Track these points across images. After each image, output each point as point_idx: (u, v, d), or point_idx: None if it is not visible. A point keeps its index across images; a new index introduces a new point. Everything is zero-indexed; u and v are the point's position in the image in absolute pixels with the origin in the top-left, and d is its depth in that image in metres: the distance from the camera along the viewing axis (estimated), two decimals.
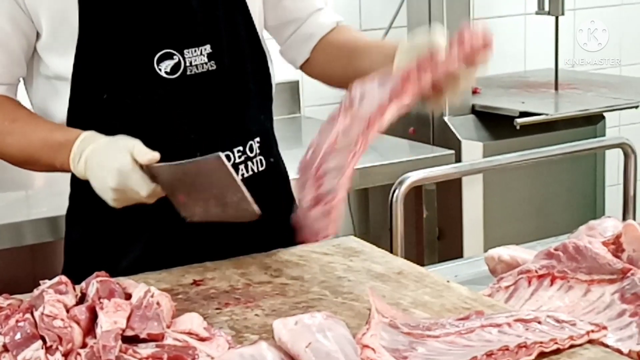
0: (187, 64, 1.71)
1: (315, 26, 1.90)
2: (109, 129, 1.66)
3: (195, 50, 1.71)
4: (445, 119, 3.37)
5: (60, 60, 1.70)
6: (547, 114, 3.26)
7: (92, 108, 1.71)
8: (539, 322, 1.32)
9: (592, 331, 1.31)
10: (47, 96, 1.75)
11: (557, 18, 3.56)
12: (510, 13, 4.07)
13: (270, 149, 1.86)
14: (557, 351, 1.27)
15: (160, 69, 1.69)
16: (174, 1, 1.71)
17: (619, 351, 1.32)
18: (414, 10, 3.46)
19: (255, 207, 1.50)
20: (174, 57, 1.70)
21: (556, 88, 3.64)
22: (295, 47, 1.90)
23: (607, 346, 1.33)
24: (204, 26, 1.73)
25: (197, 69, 1.72)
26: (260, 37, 1.84)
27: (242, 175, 1.78)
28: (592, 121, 3.49)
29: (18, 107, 1.75)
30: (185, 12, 1.72)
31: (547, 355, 1.26)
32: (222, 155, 1.49)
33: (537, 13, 3.61)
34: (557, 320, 1.33)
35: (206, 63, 1.72)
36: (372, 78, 1.55)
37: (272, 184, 1.86)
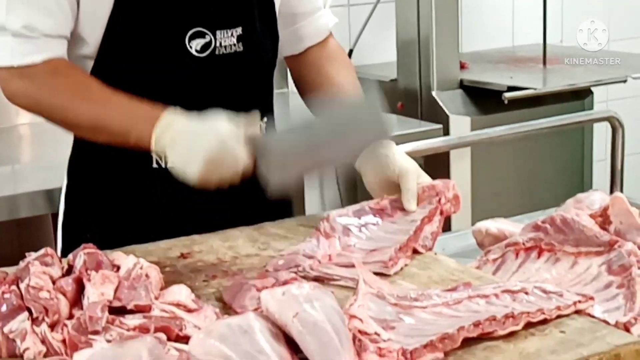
0: (218, 44, 1.73)
1: (314, 28, 1.92)
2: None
3: (227, 32, 1.73)
4: (433, 93, 3.37)
5: (92, 30, 1.69)
6: (535, 89, 3.26)
7: (115, 76, 1.71)
8: (526, 293, 1.32)
9: (579, 301, 1.32)
10: None
11: None
12: None
13: (273, 128, 1.90)
14: (544, 321, 1.27)
15: (191, 47, 1.71)
16: None
17: (606, 322, 1.33)
18: None
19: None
20: (206, 36, 1.72)
21: (544, 63, 3.64)
22: (287, 42, 1.91)
23: (594, 317, 1.33)
24: (239, 9, 1.76)
25: (226, 49, 1.74)
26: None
27: None
28: (580, 96, 3.49)
29: (86, 73, 1.70)
30: None
31: (534, 325, 1.26)
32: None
33: None
34: (544, 291, 1.33)
35: (235, 44, 1.75)
36: (348, 210, 1.65)
37: None
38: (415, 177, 1.67)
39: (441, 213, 1.64)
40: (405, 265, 1.53)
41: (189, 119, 1.58)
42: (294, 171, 1.55)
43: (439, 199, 1.65)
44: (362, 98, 1.52)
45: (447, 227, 2.65)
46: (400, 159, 1.71)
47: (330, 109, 1.55)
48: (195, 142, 1.53)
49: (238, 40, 1.75)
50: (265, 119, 1.85)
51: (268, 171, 1.54)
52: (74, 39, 1.72)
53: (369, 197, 1.73)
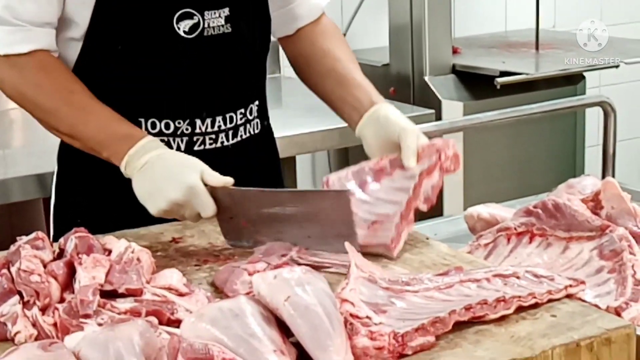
0: (206, 25, 1.73)
1: (306, 8, 1.91)
2: (118, 81, 1.69)
3: (214, 13, 1.73)
4: (426, 78, 3.36)
5: (80, 12, 1.69)
6: (527, 74, 3.25)
7: (104, 58, 1.71)
8: (518, 277, 1.32)
9: (570, 286, 1.32)
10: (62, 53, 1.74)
11: None
12: None
13: (265, 112, 1.90)
14: (536, 305, 1.27)
15: (179, 28, 1.71)
16: None
17: (597, 307, 1.33)
18: None
19: (358, 245, 1.47)
20: (194, 17, 1.71)
21: (537, 48, 3.63)
22: (280, 22, 1.90)
23: (585, 302, 1.33)
24: None
25: (214, 30, 1.74)
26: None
27: (241, 136, 1.81)
28: (573, 81, 3.49)
29: (72, 75, 1.70)
30: None
31: (525, 309, 1.26)
32: (350, 191, 1.51)
33: None
34: (536, 275, 1.33)
35: (223, 25, 1.74)
36: (347, 172, 1.64)
37: (265, 146, 1.91)
38: (416, 136, 1.66)
39: (441, 169, 1.62)
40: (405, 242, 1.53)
41: (164, 154, 1.59)
42: (251, 237, 1.56)
43: (439, 156, 1.61)
44: (344, 212, 1.49)
45: (439, 212, 2.65)
46: (400, 119, 1.70)
47: (308, 205, 1.52)
48: (163, 183, 1.55)
49: (226, 22, 1.74)
50: (257, 102, 1.85)
51: (225, 227, 1.57)
52: (64, 22, 1.71)
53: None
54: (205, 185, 1.54)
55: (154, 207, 1.57)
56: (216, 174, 1.55)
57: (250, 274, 1.36)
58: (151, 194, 1.57)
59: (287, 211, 1.52)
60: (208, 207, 1.53)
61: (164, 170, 1.57)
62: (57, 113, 1.67)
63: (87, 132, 1.66)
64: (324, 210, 1.50)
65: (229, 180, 1.55)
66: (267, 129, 1.91)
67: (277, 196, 1.54)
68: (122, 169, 1.61)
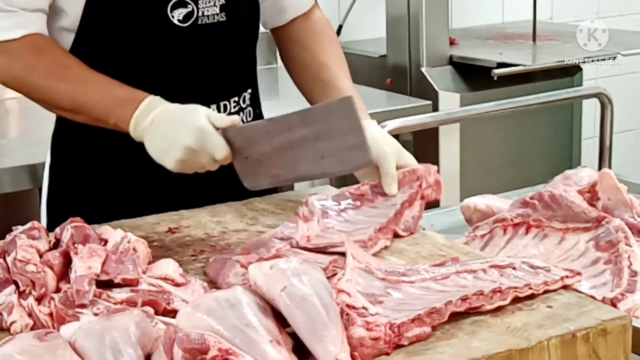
0: (200, 13, 1.73)
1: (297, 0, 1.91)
2: (112, 71, 1.68)
3: (209, 1, 1.73)
4: (423, 69, 3.36)
5: (73, 2, 1.69)
6: (524, 65, 3.25)
7: (98, 48, 1.71)
8: (514, 268, 1.32)
9: (567, 277, 1.32)
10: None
11: None
12: None
13: (257, 100, 1.91)
14: (532, 296, 1.27)
15: (173, 16, 1.71)
16: None
17: (593, 298, 1.33)
18: None
19: (370, 152, 1.47)
20: (188, 5, 1.72)
21: (534, 39, 3.63)
22: (271, 13, 1.91)
23: (581, 293, 1.33)
24: None
25: (209, 19, 1.74)
26: None
27: None
28: (570, 73, 3.49)
29: (65, 51, 1.71)
30: None
31: (521, 300, 1.26)
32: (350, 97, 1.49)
33: None
34: (532, 267, 1.33)
35: (217, 14, 1.75)
36: (328, 195, 1.61)
37: None
38: (394, 160, 1.63)
39: (422, 198, 1.61)
40: (386, 247, 1.51)
41: (168, 107, 1.59)
42: (268, 173, 1.55)
43: (420, 184, 1.61)
44: (349, 119, 1.48)
45: (435, 203, 2.64)
46: (379, 141, 1.64)
47: (315, 122, 1.52)
48: (173, 132, 1.55)
49: (221, 10, 1.75)
50: (249, 90, 1.86)
51: (242, 169, 1.57)
52: (55, 11, 1.71)
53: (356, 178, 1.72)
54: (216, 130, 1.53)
55: (170, 160, 1.55)
56: (223, 115, 1.56)
57: (242, 266, 1.36)
58: (165, 148, 1.55)
59: (297, 135, 1.52)
60: (221, 147, 1.53)
61: (171, 120, 1.56)
62: (56, 89, 1.66)
63: (90, 102, 1.64)
64: (331, 123, 1.50)
65: (235, 119, 1.55)
66: (258, 118, 1.91)
67: (285, 121, 1.54)
68: (132, 133, 1.60)
